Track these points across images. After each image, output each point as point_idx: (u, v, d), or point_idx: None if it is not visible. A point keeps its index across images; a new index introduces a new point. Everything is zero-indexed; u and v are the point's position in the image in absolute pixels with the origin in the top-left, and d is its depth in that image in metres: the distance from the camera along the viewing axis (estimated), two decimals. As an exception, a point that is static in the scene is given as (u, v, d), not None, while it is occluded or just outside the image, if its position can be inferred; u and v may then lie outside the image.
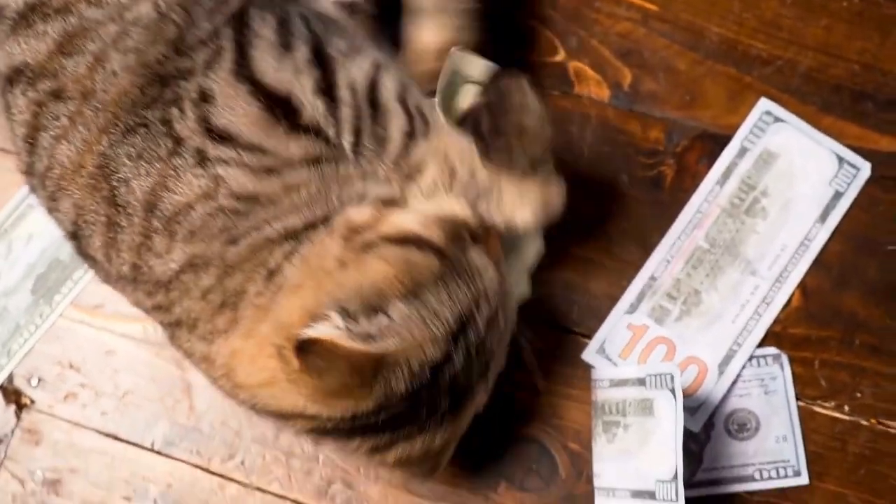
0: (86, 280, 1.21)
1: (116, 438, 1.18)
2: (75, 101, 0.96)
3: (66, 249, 1.11)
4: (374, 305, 0.86)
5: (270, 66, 0.93)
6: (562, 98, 1.23)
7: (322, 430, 0.91)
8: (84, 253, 0.99)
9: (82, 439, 1.18)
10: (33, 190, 1.03)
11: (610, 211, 1.19)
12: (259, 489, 1.15)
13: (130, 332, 1.20)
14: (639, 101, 1.22)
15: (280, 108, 0.93)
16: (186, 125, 0.93)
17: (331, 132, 0.95)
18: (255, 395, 0.92)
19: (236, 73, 0.93)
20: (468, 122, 1.02)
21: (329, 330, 0.83)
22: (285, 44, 0.95)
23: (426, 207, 0.98)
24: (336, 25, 1.02)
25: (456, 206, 0.98)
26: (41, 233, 1.22)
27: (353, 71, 0.97)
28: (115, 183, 0.93)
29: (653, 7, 1.24)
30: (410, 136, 0.97)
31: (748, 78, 1.22)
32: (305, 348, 0.83)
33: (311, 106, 0.94)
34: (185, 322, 0.94)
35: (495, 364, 0.97)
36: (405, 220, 0.96)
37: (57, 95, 0.96)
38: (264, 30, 0.95)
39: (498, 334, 0.95)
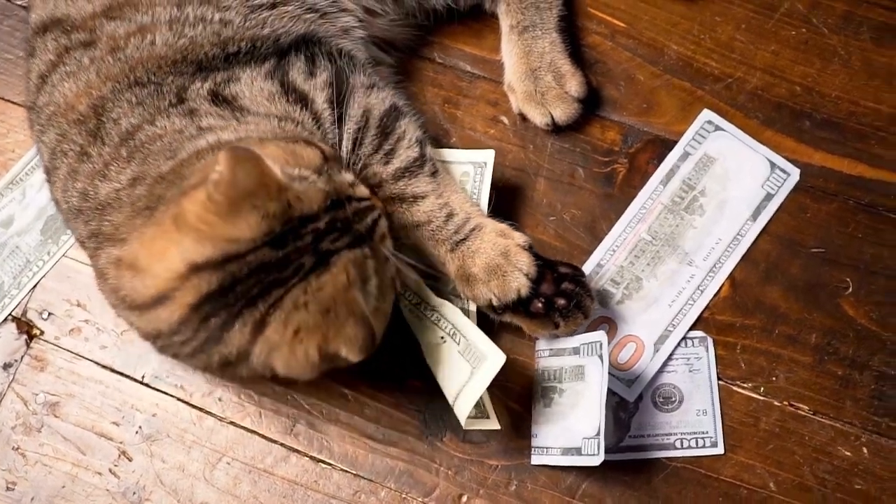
0: (96, 228, 1.32)
1: (112, 370, 1.30)
2: (102, 50, 1.12)
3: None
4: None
5: (299, 79, 1.16)
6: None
7: (202, 298, 0.96)
8: (54, 197, 1.15)
9: (82, 369, 1.30)
10: (31, 124, 1.18)
11: (565, 200, 1.31)
12: (232, 423, 1.26)
13: (133, 279, 1.32)
14: (600, 107, 1.34)
15: (296, 94, 1.14)
16: (197, 93, 1.10)
17: (329, 134, 1.14)
18: (144, 279, 0.98)
19: (270, 74, 1.15)
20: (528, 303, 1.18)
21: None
22: (311, 72, 1.18)
23: None
24: (362, 65, 1.23)
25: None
26: (52, 181, 1.31)
27: (372, 100, 1.19)
28: (104, 119, 1.09)
29: (620, 24, 1.37)
30: (420, 165, 1.17)
31: (700, 92, 1.33)
32: (236, 152, 0.92)
33: (321, 108, 1.15)
34: (108, 235, 1.04)
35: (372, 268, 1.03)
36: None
37: (86, 45, 1.13)
38: (298, 62, 1.18)
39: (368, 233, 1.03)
